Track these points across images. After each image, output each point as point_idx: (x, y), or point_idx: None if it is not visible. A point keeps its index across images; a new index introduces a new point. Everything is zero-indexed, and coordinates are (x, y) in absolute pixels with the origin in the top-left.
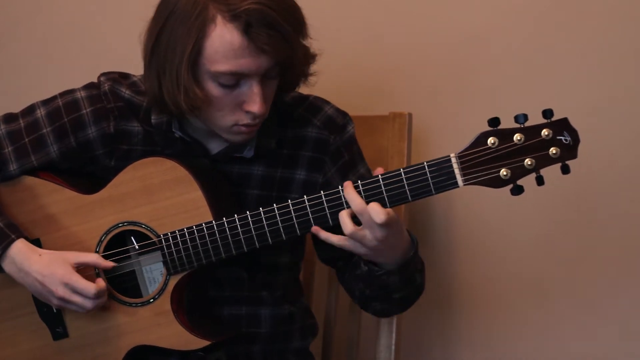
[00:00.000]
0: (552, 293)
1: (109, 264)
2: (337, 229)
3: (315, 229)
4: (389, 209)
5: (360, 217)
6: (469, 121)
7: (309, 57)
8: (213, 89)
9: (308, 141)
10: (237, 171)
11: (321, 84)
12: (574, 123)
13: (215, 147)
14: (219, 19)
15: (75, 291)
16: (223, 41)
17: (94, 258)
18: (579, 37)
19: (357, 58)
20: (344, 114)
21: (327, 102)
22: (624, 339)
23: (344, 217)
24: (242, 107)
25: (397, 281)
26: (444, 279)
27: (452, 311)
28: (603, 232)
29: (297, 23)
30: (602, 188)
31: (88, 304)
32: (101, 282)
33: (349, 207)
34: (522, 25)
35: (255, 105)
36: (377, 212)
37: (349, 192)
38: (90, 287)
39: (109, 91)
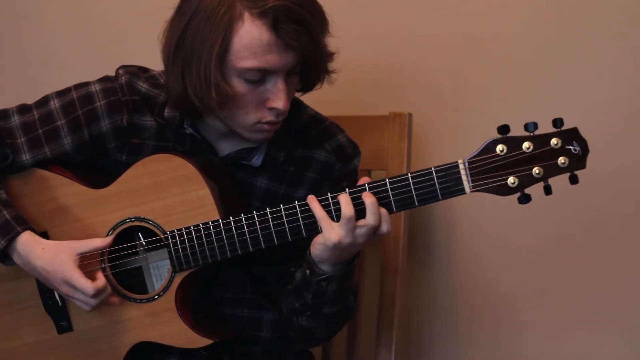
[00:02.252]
0: (553, 296)
1: (107, 240)
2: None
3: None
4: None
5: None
6: (469, 121)
7: (329, 54)
8: (239, 85)
9: (315, 163)
10: (241, 179)
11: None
12: (575, 123)
13: (224, 149)
14: (247, 16)
15: (77, 289)
16: (251, 37)
17: (98, 243)
18: (579, 36)
19: (357, 58)
20: (354, 146)
21: (342, 131)
22: (627, 343)
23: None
24: (265, 104)
25: (334, 291)
26: (444, 280)
27: (452, 311)
28: (605, 235)
29: (321, 19)
30: (605, 191)
31: (89, 301)
32: (100, 281)
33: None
34: (523, 24)
35: (280, 102)
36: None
37: (369, 196)
38: (88, 286)
39: (125, 84)
